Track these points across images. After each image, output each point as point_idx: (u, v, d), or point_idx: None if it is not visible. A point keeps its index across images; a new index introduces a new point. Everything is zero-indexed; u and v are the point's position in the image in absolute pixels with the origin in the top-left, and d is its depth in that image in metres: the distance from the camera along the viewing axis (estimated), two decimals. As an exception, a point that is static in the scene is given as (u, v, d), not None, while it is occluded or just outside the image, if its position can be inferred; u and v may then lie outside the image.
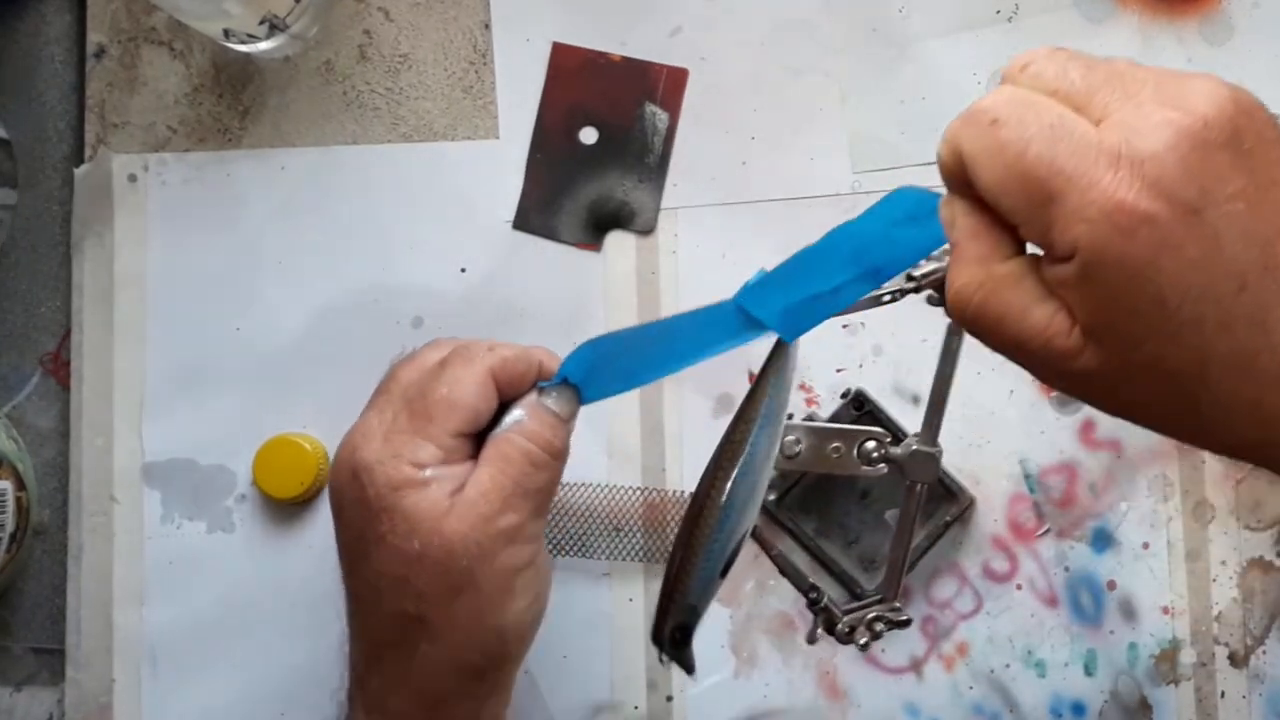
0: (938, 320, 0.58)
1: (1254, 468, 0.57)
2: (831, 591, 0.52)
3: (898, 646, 0.58)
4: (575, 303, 0.60)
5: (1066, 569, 0.57)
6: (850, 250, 0.40)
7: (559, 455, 0.47)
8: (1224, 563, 0.57)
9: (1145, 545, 0.57)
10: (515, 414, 0.46)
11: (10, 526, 0.59)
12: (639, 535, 0.59)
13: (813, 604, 0.46)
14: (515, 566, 0.46)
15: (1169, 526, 0.57)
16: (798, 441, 0.48)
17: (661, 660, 0.42)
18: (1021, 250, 0.36)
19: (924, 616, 0.58)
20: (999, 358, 0.58)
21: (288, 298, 0.61)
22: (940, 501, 0.56)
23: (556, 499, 0.59)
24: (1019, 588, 0.58)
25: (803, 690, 0.58)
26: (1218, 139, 0.33)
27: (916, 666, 0.58)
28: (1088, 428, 0.57)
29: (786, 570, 0.46)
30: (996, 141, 0.34)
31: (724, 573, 0.41)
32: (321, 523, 0.60)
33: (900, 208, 0.40)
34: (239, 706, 0.60)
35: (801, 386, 0.58)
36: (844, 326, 0.58)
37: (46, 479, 0.62)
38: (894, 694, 0.58)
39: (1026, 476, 0.58)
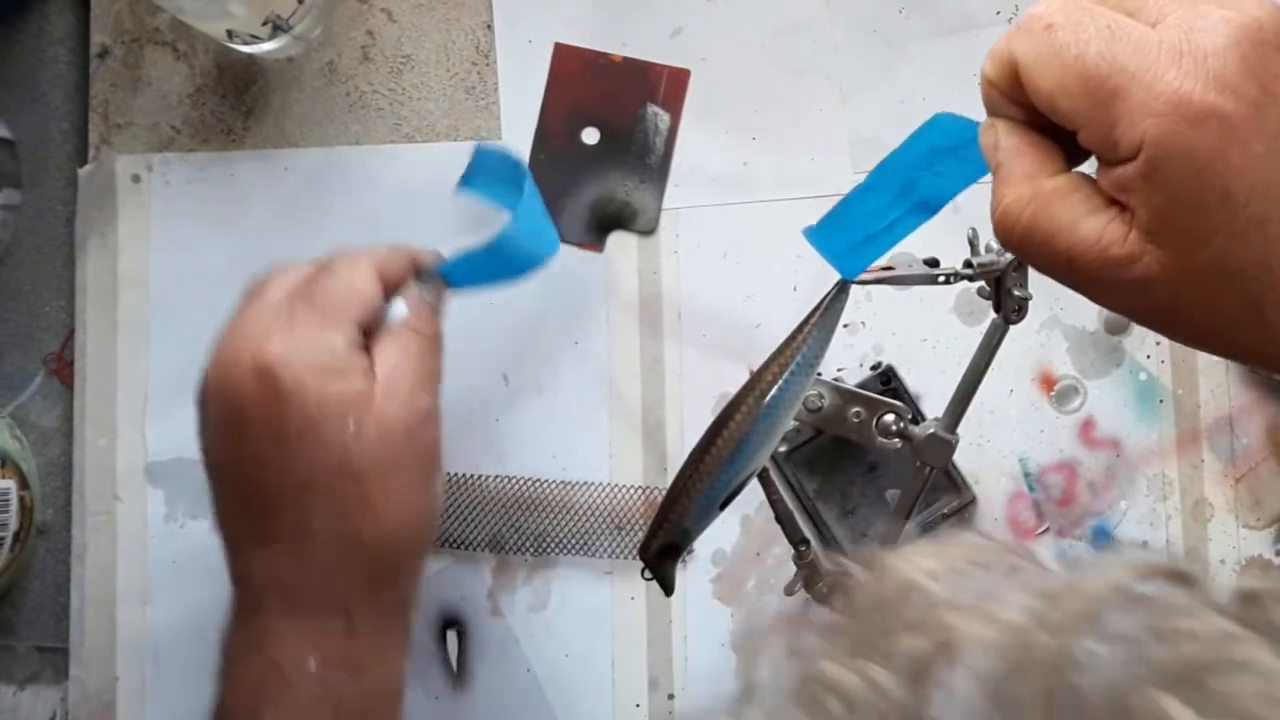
0: (938, 321, 0.58)
1: (1253, 466, 0.57)
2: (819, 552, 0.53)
3: (898, 645, 0.58)
4: (577, 303, 0.60)
5: (1066, 567, 0.58)
6: (898, 185, 0.41)
7: (441, 342, 0.50)
8: (1223, 561, 0.57)
9: (1144, 544, 0.57)
10: (399, 306, 0.49)
11: (14, 525, 0.59)
12: (640, 534, 0.59)
13: (800, 556, 0.46)
14: (437, 442, 0.48)
15: (1168, 525, 0.57)
16: (821, 397, 0.48)
17: (643, 575, 0.42)
18: (1067, 167, 0.35)
19: (924, 615, 0.58)
20: (999, 358, 0.58)
21: (290, 297, 0.61)
22: (942, 492, 0.57)
23: (560, 498, 0.59)
24: (1019, 586, 0.58)
25: (803, 688, 0.58)
26: (1274, 40, 0.33)
27: (917, 665, 0.58)
28: (1087, 426, 0.58)
29: (782, 517, 0.46)
30: (1054, 45, 0.33)
31: (724, 505, 0.41)
32: (324, 522, 0.60)
33: (941, 135, 0.40)
34: (242, 705, 0.60)
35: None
36: (844, 325, 0.58)
37: (50, 478, 0.62)
38: (894, 692, 0.58)
39: (1026, 475, 0.58)
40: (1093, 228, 0.34)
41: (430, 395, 0.48)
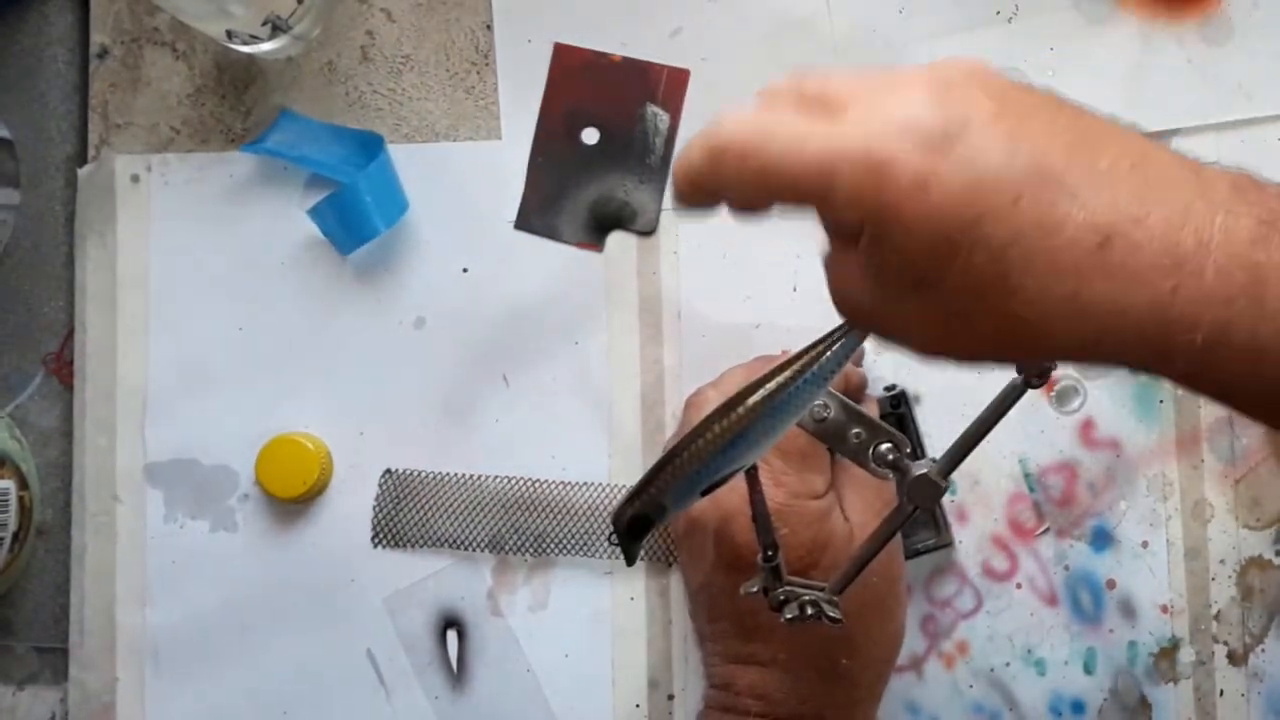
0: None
1: (1253, 466, 0.57)
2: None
3: (898, 645, 0.58)
4: (577, 303, 0.60)
5: (1066, 568, 0.57)
6: None
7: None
8: (1223, 561, 0.57)
9: (1144, 544, 0.57)
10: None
11: (13, 526, 0.59)
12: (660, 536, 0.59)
13: (767, 559, 0.46)
14: (902, 577, 0.54)
15: (1168, 525, 0.57)
16: (827, 408, 0.47)
17: (610, 540, 0.42)
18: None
19: (924, 615, 0.58)
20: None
21: (290, 297, 0.61)
22: (922, 528, 0.57)
23: (559, 498, 0.59)
24: (1019, 586, 0.58)
25: (803, 689, 0.58)
26: (958, 80, 0.34)
27: (916, 665, 0.58)
28: (1087, 427, 0.58)
29: (759, 518, 0.46)
30: (758, 165, 0.35)
31: (705, 492, 0.40)
32: (323, 522, 0.60)
33: None
34: (241, 706, 0.60)
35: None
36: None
37: (49, 479, 0.62)
38: (894, 692, 0.58)
39: (1026, 475, 0.58)
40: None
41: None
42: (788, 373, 0.39)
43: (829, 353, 0.39)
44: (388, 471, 0.60)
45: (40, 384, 0.63)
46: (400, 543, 0.60)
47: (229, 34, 0.58)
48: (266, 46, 0.60)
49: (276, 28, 0.59)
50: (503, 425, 0.60)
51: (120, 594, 0.61)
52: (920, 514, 0.52)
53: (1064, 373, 0.58)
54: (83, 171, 0.62)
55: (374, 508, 0.60)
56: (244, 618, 0.60)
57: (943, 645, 0.58)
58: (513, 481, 0.60)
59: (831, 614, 0.46)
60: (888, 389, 0.58)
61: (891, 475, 0.46)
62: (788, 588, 0.46)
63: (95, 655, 0.61)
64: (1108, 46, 0.59)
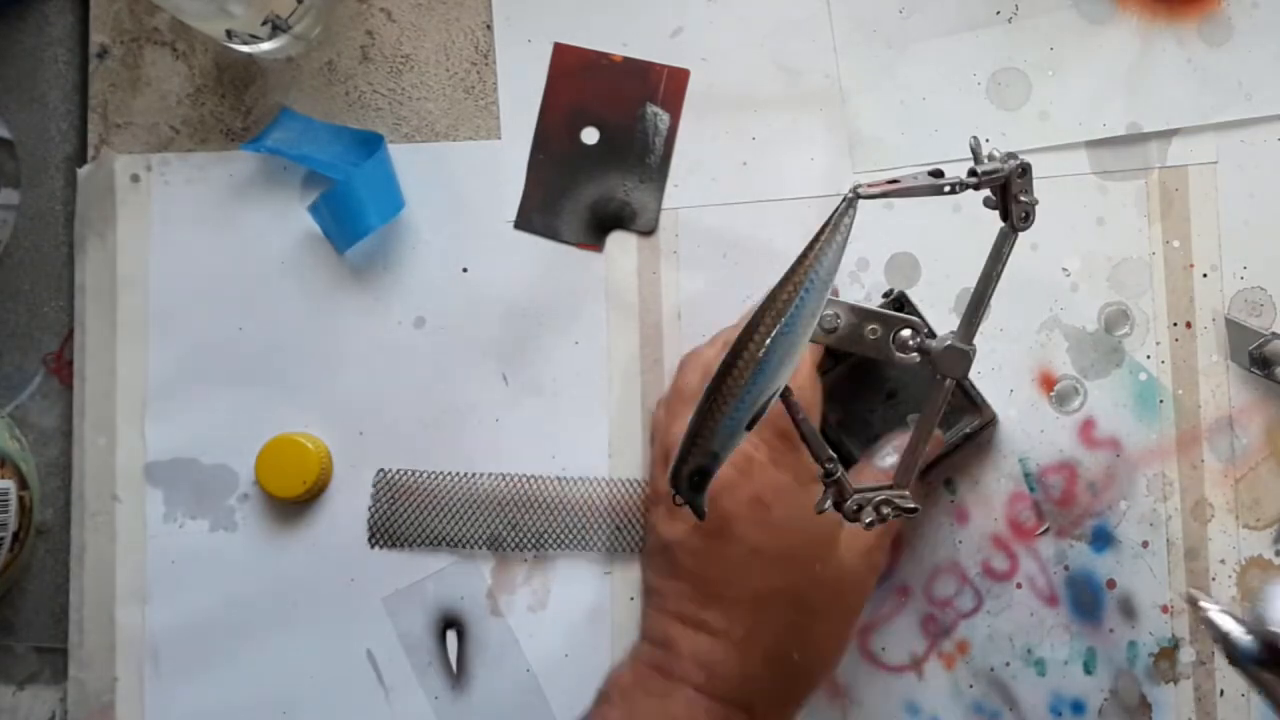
0: (939, 306, 0.58)
1: (1253, 466, 0.57)
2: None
3: (898, 645, 0.58)
4: (577, 303, 0.60)
5: (1066, 568, 0.57)
6: None
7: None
8: (1223, 561, 0.57)
9: (1145, 544, 0.57)
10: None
11: (13, 526, 0.59)
12: (638, 528, 0.59)
13: (828, 475, 0.46)
14: (869, 597, 0.55)
15: (1168, 525, 0.57)
16: (837, 316, 0.47)
17: (676, 501, 0.42)
18: None
19: (924, 615, 0.58)
20: (999, 358, 0.58)
21: (290, 298, 0.61)
22: (963, 414, 0.57)
23: (556, 494, 0.59)
24: (1019, 586, 0.58)
25: (803, 689, 0.58)
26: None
27: (917, 665, 0.58)
28: (1087, 427, 0.58)
29: (807, 435, 0.46)
30: None
31: (750, 425, 0.41)
32: (323, 522, 0.60)
33: None
34: (241, 705, 0.60)
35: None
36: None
37: (49, 478, 0.62)
38: (894, 692, 0.58)
39: (1026, 475, 0.58)
40: None
41: (884, 555, 0.55)
42: (788, 287, 0.39)
43: (821, 259, 0.40)
44: (381, 471, 0.60)
45: (40, 384, 0.63)
46: (397, 542, 0.60)
47: (229, 34, 0.58)
48: (266, 46, 0.60)
49: (276, 27, 0.59)
50: (502, 425, 0.60)
51: (120, 593, 0.61)
52: (957, 398, 0.54)
53: (1064, 373, 0.58)
54: (83, 171, 0.62)
55: (369, 508, 0.60)
56: (244, 618, 0.60)
57: (943, 645, 0.58)
58: (507, 478, 0.60)
59: (908, 505, 0.47)
60: (886, 294, 0.58)
61: (919, 358, 0.46)
62: (857, 496, 0.47)
63: (95, 655, 0.61)
64: (1108, 46, 0.59)
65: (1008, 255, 0.47)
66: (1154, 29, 0.58)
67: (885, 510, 0.46)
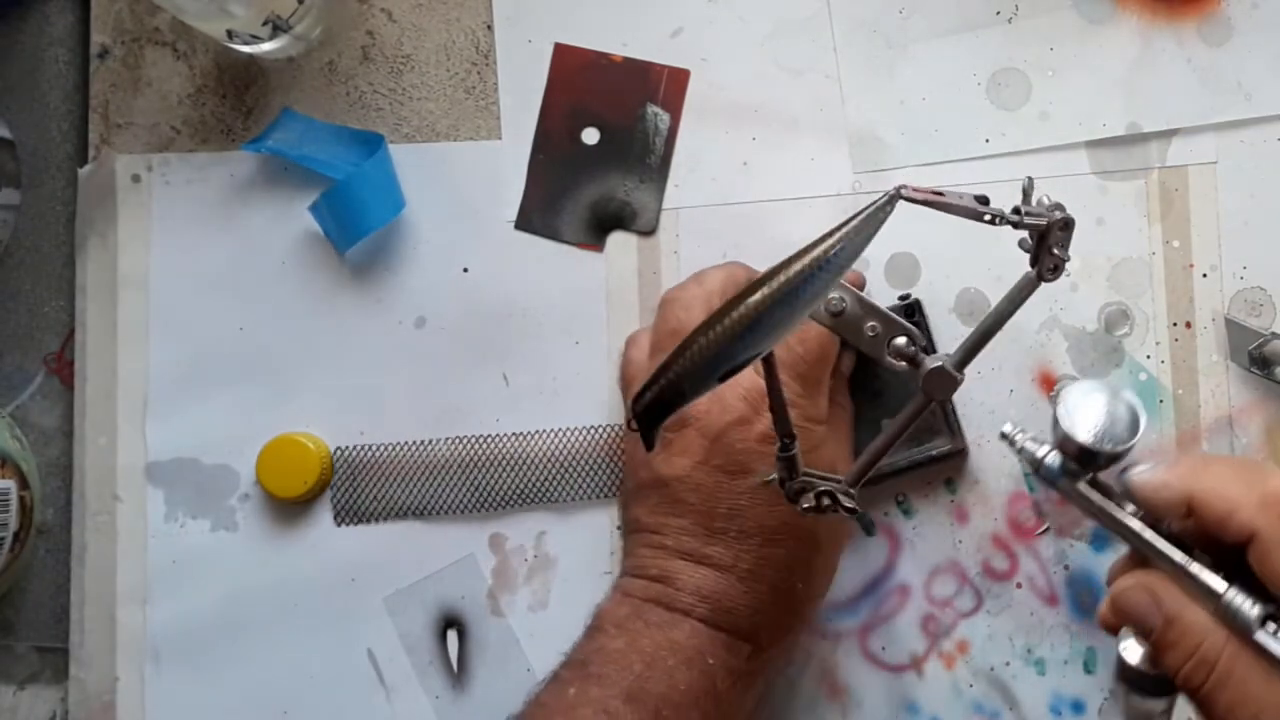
0: (938, 306, 0.58)
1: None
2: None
3: (898, 644, 0.58)
4: (577, 303, 0.60)
5: (1066, 567, 0.57)
6: None
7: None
8: (1223, 561, 0.57)
9: (1144, 544, 0.57)
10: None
11: (14, 525, 0.60)
12: (606, 472, 0.59)
13: (784, 449, 0.46)
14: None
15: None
16: (843, 301, 0.48)
17: (630, 426, 0.42)
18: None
19: (924, 615, 0.58)
20: (999, 358, 0.58)
21: (291, 297, 0.61)
22: (935, 435, 0.57)
23: (509, 452, 0.59)
24: (1019, 586, 0.58)
25: (803, 688, 0.58)
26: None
27: (917, 664, 0.58)
28: (1087, 427, 0.58)
29: (776, 408, 0.46)
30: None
31: (723, 377, 0.41)
32: (324, 522, 0.60)
33: None
34: (241, 705, 0.60)
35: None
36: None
37: (50, 478, 0.62)
38: (894, 691, 0.58)
39: (1026, 475, 0.58)
40: None
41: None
42: (805, 260, 0.39)
43: (845, 243, 0.39)
44: (338, 449, 0.60)
45: (41, 383, 0.63)
46: (363, 517, 0.60)
47: (230, 34, 0.58)
48: (267, 46, 0.60)
49: (277, 28, 0.59)
50: (503, 425, 0.60)
51: (120, 593, 0.61)
52: (936, 420, 0.54)
53: (1064, 372, 0.58)
54: (83, 171, 0.62)
55: (330, 487, 0.60)
56: (244, 617, 0.60)
57: (943, 645, 0.58)
58: (464, 440, 0.60)
59: (848, 504, 0.47)
60: (902, 298, 0.58)
61: (907, 368, 0.46)
62: (804, 478, 0.47)
63: (95, 654, 0.61)
64: (1108, 46, 0.59)
65: (1023, 300, 0.47)
66: (1154, 29, 0.59)
67: (825, 502, 0.47)
